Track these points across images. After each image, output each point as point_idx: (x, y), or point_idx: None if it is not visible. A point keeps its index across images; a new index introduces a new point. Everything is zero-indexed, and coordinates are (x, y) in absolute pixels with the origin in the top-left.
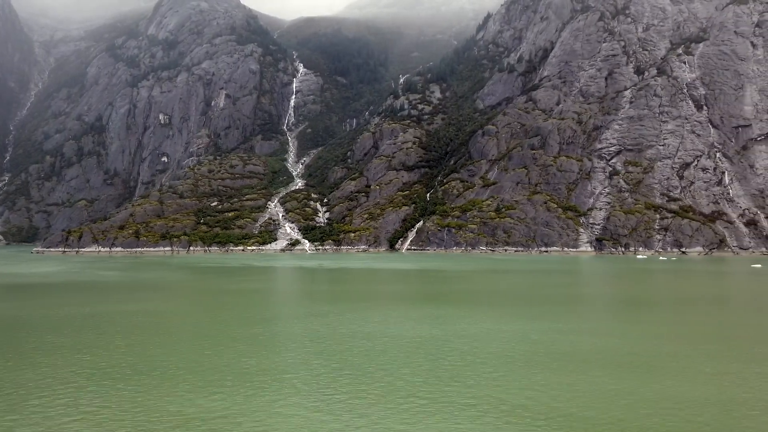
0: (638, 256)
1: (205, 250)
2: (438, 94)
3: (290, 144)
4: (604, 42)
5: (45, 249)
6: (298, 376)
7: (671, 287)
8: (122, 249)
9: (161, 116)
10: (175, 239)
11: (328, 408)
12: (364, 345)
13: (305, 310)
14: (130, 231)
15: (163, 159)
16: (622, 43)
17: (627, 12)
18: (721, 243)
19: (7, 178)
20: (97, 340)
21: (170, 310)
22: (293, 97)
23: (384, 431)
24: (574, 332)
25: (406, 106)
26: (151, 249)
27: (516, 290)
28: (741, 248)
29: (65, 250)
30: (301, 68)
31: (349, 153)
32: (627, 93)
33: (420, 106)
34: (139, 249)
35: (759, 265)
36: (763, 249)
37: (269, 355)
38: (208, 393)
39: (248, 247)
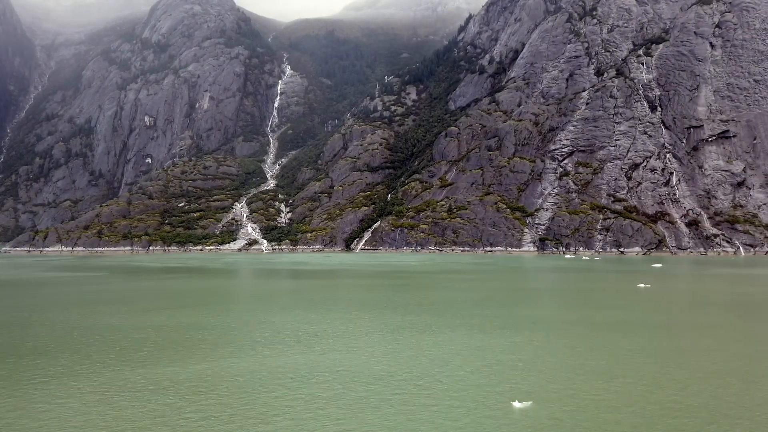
0: (566, 256)
1: (165, 250)
2: (413, 96)
3: (271, 145)
4: (568, 43)
5: (12, 248)
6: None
7: (515, 285)
8: (84, 248)
9: (146, 118)
10: (136, 239)
11: None
12: (98, 337)
13: (134, 308)
14: (94, 231)
15: (147, 160)
16: (586, 45)
17: (594, 13)
18: (660, 243)
19: None
20: None
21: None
22: (278, 98)
23: None
24: (317, 322)
25: (379, 108)
26: (112, 248)
27: (354, 291)
28: (680, 248)
29: (30, 249)
30: (288, 70)
31: (320, 154)
32: (584, 94)
33: (393, 108)
34: (101, 249)
35: (660, 265)
36: (701, 249)
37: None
38: None
39: (207, 247)
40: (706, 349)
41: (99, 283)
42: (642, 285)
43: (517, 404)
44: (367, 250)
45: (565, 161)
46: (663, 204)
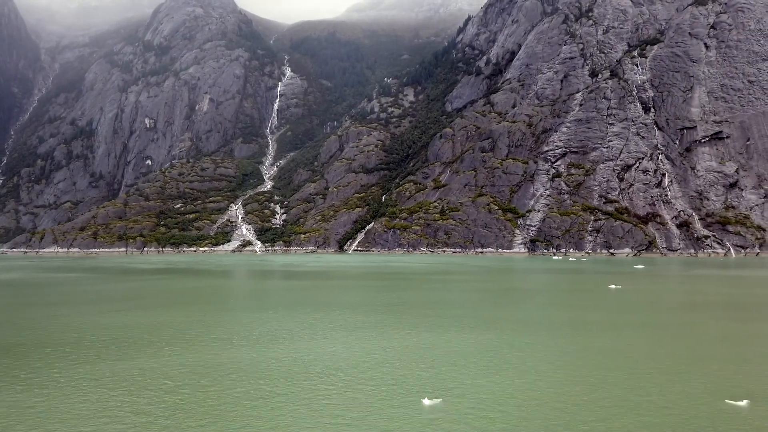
0: (554, 257)
1: (159, 251)
2: (411, 97)
3: (270, 147)
4: (564, 45)
5: (9, 249)
6: None
7: (491, 286)
8: (79, 249)
9: (147, 120)
10: (130, 240)
11: None
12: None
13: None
14: (89, 232)
15: (147, 162)
16: (581, 46)
17: (590, 14)
18: (651, 245)
19: (1, 181)
20: None
21: None
22: (277, 100)
23: None
24: (278, 321)
25: (376, 109)
26: (107, 250)
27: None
28: (670, 250)
29: (27, 250)
30: (288, 72)
31: (317, 156)
32: (578, 96)
33: (390, 109)
34: (95, 250)
35: (642, 266)
36: (692, 250)
37: None
38: None
39: (201, 248)
40: (642, 349)
41: (82, 283)
42: (613, 286)
43: (426, 401)
44: (360, 251)
45: (557, 162)
46: (654, 205)
